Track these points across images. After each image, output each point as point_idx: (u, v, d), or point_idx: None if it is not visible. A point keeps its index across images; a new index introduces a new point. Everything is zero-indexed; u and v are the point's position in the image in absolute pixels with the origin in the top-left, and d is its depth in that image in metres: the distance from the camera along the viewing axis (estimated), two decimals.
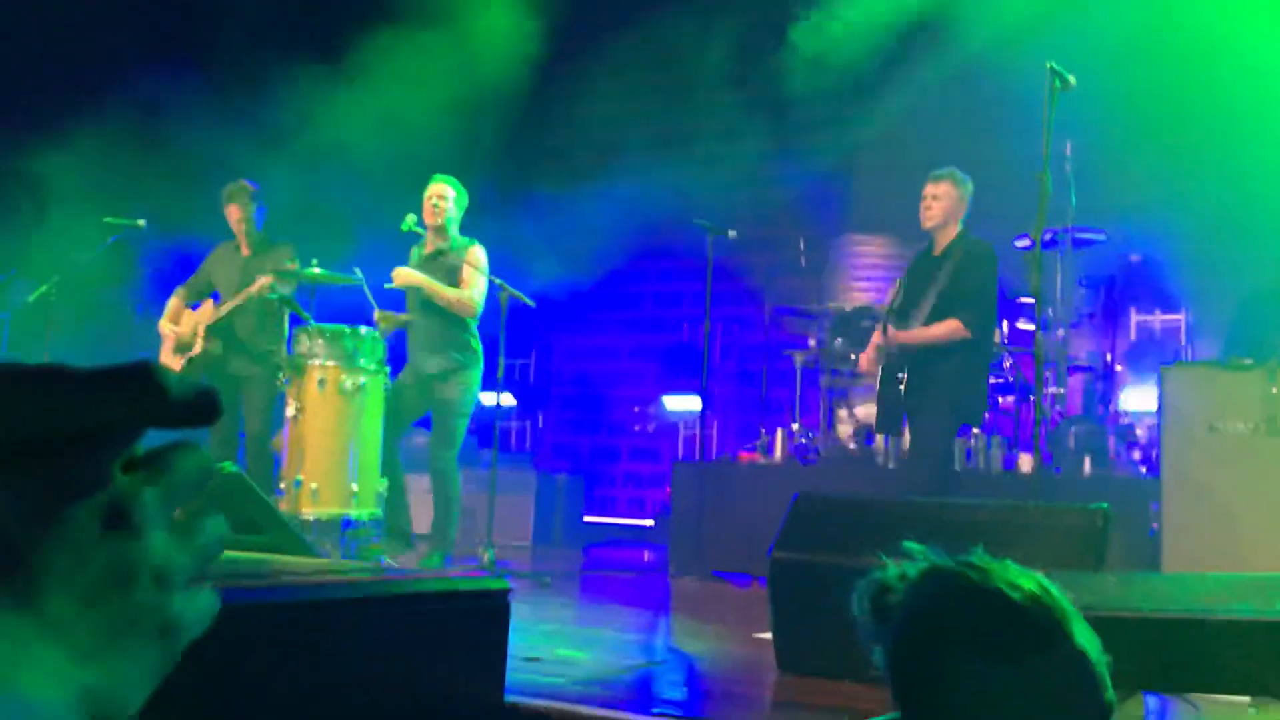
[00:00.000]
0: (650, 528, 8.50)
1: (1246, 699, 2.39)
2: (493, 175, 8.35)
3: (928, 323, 5.29)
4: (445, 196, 5.88)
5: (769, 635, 3.53)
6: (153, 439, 0.47)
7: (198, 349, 6.01)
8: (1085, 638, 1.24)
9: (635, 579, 5.96)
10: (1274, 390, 5.00)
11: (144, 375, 0.45)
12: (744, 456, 7.08)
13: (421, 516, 5.91)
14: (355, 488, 5.53)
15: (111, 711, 0.43)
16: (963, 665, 1.24)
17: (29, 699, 0.40)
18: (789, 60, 8.22)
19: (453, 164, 6.25)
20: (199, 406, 0.46)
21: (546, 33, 9.08)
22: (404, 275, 5.80)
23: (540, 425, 9.69)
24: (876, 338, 5.52)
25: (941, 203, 5.48)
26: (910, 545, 1.37)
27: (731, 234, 6.55)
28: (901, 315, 5.41)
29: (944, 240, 5.49)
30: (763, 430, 6.79)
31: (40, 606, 0.42)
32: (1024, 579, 1.27)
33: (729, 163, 9.06)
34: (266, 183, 6.41)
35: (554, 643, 3.83)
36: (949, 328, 5.23)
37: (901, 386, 5.29)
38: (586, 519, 8.68)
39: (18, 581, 0.42)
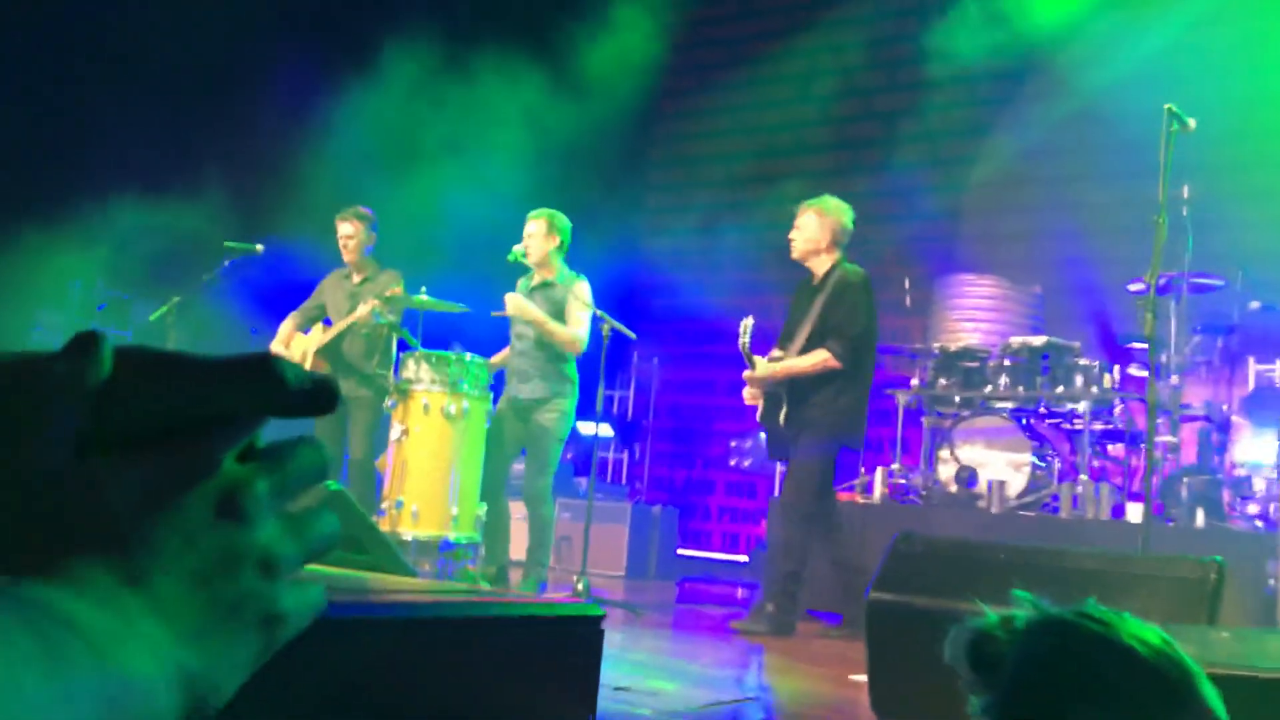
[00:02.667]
0: (744, 563, 8.44)
1: None
2: (607, 209, 8.45)
3: (802, 352, 5.35)
4: (532, 234, 5.94)
5: (864, 678, 3.48)
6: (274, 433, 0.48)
7: None
8: (1214, 699, 1.20)
9: (728, 614, 5.92)
10: None
11: (263, 364, 0.46)
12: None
13: (519, 543, 5.96)
14: (455, 511, 5.61)
15: (206, 694, 0.44)
16: (1085, 718, 1.20)
17: (129, 674, 0.41)
18: (903, 97, 8.17)
19: (559, 198, 6.34)
20: (316, 395, 0.46)
21: (662, 67, 9.19)
22: (516, 303, 5.86)
23: (637, 457, 9.71)
24: (749, 371, 5.50)
25: (803, 233, 5.51)
26: (1019, 593, 1.33)
27: None
28: (782, 345, 5.47)
29: (820, 270, 5.51)
30: (862, 469, 6.71)
31: (150, 586, 0.43)
32: (1148, 633, 1.23)
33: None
34: (382, 208, 6.58)
35: (644, 673, 3.82)
36: (817, 359, 5.28)
37: (782, 416, 5.34)
38: (680, 552, 8.65)
39: (130, 561, 0.43)
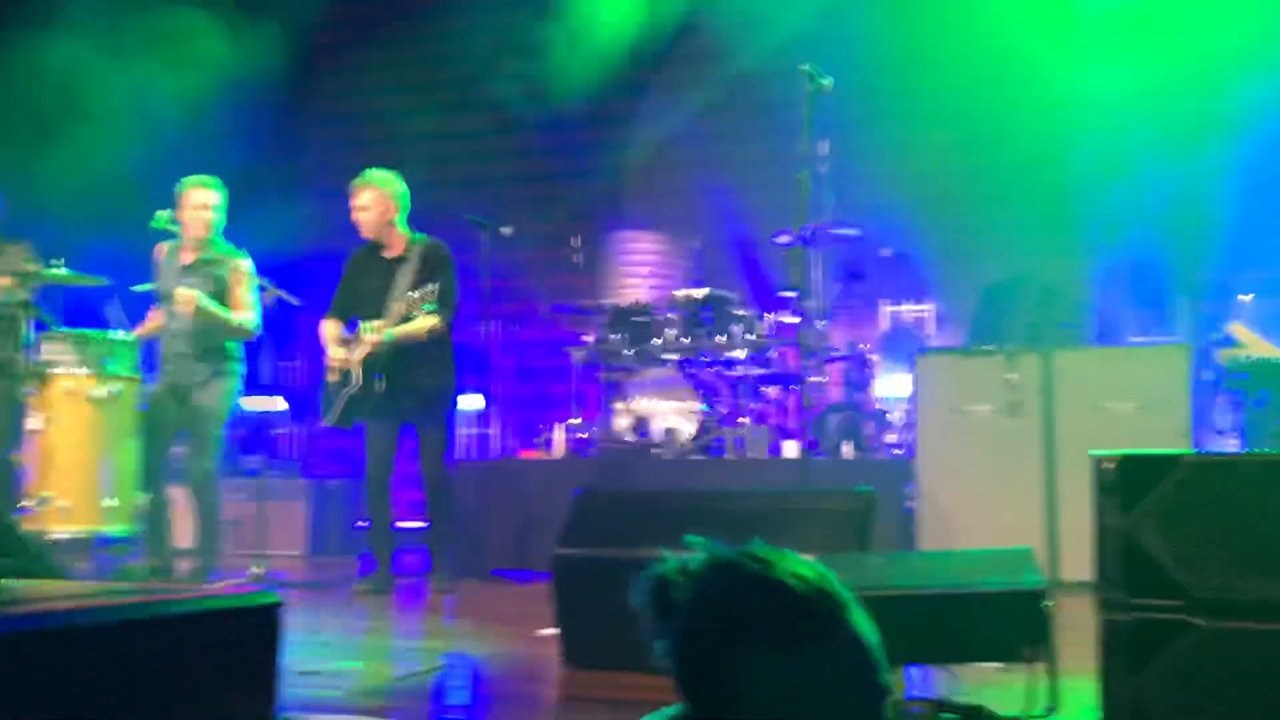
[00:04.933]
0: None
1: (996, 665, 2.57)
2: (257, 166, 8.01)
3: (401, 322, 5.43)
4: (210, 205, 5.58)
5: (553, 632, 3.54)
6: None
7: None
8: (863, 623, 1.30)
9: (415, 584, 5.85)
10: (1012, 375, 5.39)
11: None
12: (525, 453, 7.08)
13: (187, 532, 5.60)
14: (110, 503, 5.19)
15: None
16: (748, 655, 1.27)
17: None
18: (560, 57, 8.25)
19: (209, 160, 5.95)
20: None
21: (315, 25, 8.80)
22: (192, 301, 5.39)
23: (312, 430, 9.36)
24: (332, 333, 5.61)
25: (370, 211, 5.63)
26: (693, 538, 1.39)
27: (507, 230, 6.52)
28: (366, 315, 5.51)
29: (395, 242, 5.65)
30: (542, 427, 6.80)
31: None
32: (805, 568, 1.32)
33: (502, 158, 9.03)
34: (10, 175, 5.92)
35: (331, 655, 3.71)
36: (426, 324, 5.43)
37: (380, 384, 5.44)
38: (361, 525, 8.44)
39: None
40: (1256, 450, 5.47)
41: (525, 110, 8.60)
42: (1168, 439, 4.94)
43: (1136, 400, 5.20)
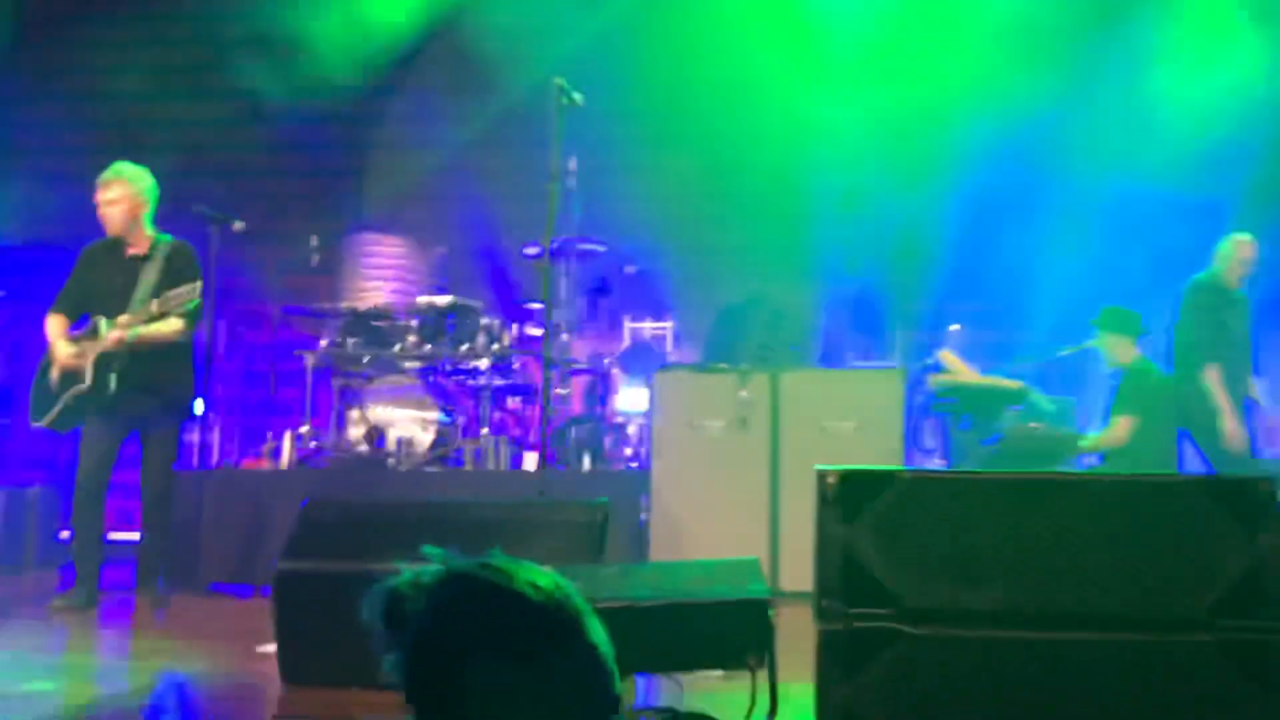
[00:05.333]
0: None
1: (719, 672, 2.64)
2: None
3: (147, 323, 5.24)
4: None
5: (273, 648, 3.37)
6: None
7: None
8: (598, 634, 1.29)
9: (122, 599, 5.45)
10: (743, 393, 5.60)
11: None
12: (250, 463, 6.73)
13: None
14: None
15: None
16: (482, 668, 1.24)
17: None
18: (308, 49, 7.96)
19: None
20: None
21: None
22: None
23: (7, 434, 8.57)
24: (58, 329, 5.33)
25: (118, 206, 5.43)
26: (429, 549, 1.35)
27: (238, 225, 6.20)
28: (107, 313, 5.26)
29: (140, 240, 5.45)
30: (270, 435, 6.50)
31: None
32: (543, 578, 1.30)
33: (238, 149, 8.60)
34: None
35: (19, 676, 3.39)
36: (173, 328, 5.27)
37: (112, 384, 5.20)
38: (65, 536, 7.79)
39: None
40: (960, 468, 5.91)
41: (266, 101, 8.23)
42: (882, 456, 5.25)
43: (855, 420, 5.50)
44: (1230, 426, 5.68)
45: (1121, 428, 5.74)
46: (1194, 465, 5.97)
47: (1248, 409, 5.87)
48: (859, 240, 7.55)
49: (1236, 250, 5.94)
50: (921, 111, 7.53)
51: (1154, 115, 7.45)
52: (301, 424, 6.53)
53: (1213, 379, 5.72)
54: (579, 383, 6.95)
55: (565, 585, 1.31)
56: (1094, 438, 5.97)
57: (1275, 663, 2.12)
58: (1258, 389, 5.97)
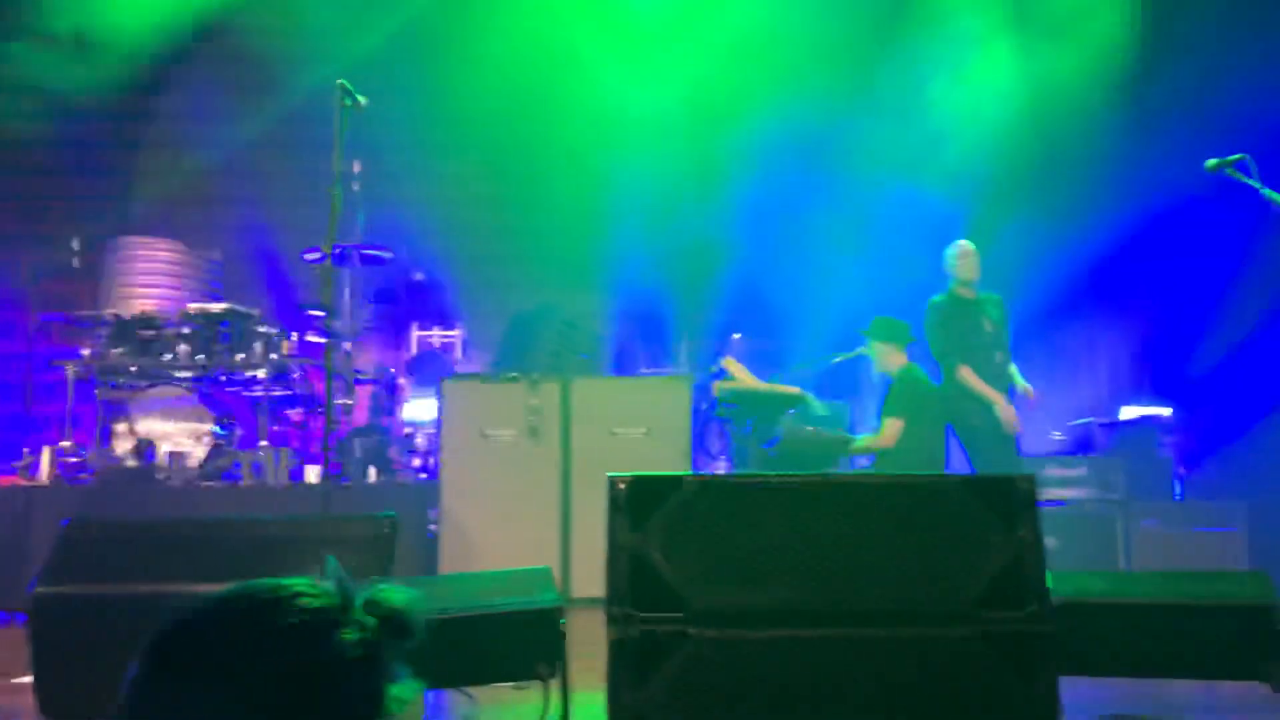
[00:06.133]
0: None
1: (513, 685, 2.62)
2: None
3: None
4: None
5: (29, 679, 3.13)
6: None
7: None
8: (359, 646, 1.25)
9: None
10: (534, 401, 5.58)
11: None
12: (4, 480, 6.24)
13: None
14: None
15: None
16: (224, 689, 1.18)
17: None
18: (64, 42, 7.46)
19: None
20: None
21: None
22: None
23: None
24: None
25: None
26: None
27: None
28: None
29: None
30: (26, 450, 6.04)
31: None
32: (315, 598, 1.25)
33: None
34: None
35: None
36: None
37: None
38: None
39: None
40: (743, 472, 6.07)
41: (25, 95, 7.66)
42: (671, 462, 5.35)
43: (645, 426, 5.57)
44: (1004, 412, 5.98)
45: (889, 430, 6.03)
46: (962, 466, 6.32)
47: (1014, 399, 6.19)
48: (648, 251, 7.67)
49: (957, 258, 6.21)
50: (706, 123, 7.72)
51: (928, 127, 7.86)
52: (62, 438, 6.10)
53: (967, 376, 6.01)
54: (364, 392, 6.78)
55: (330, 597, 1.26)
56: (865, 440, 6.25)
57: (1033, 651, 2.27)
58: (1020, 379, 6.29)
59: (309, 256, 6.66)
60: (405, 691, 1.29)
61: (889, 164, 7.77)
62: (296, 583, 1.26)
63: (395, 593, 1.31)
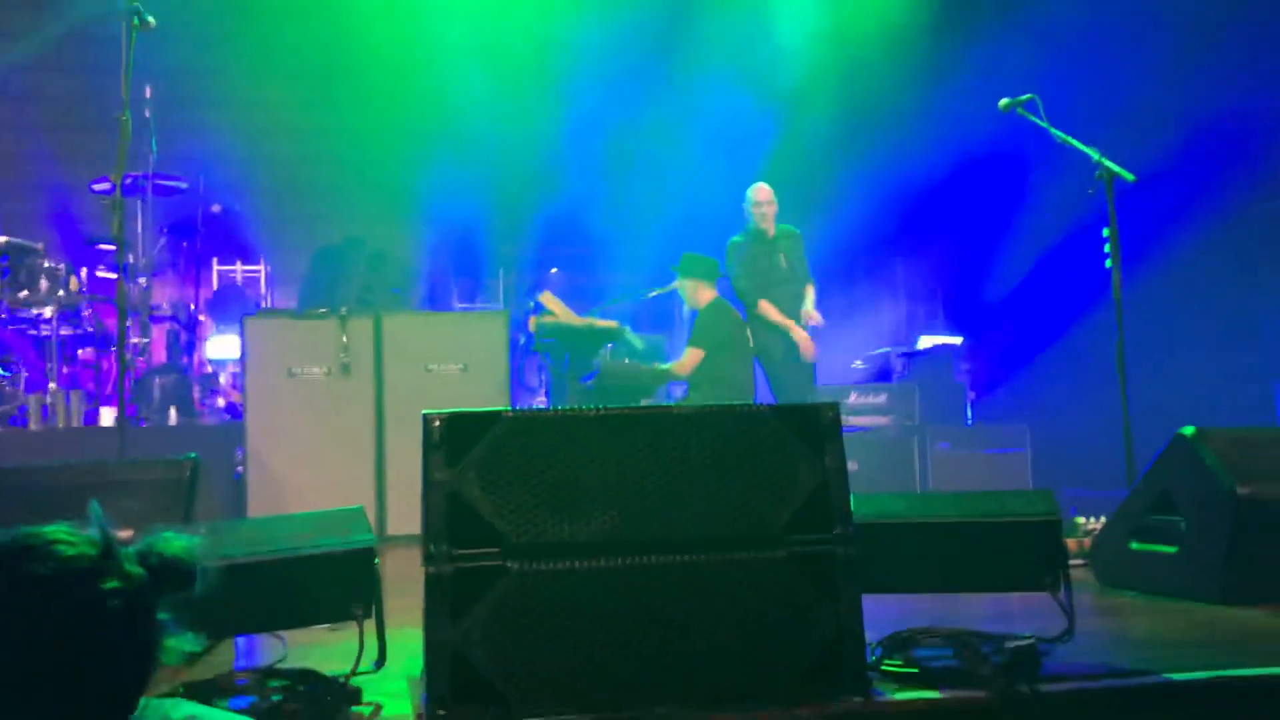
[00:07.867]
0: None
1: (327, 626, 2.56)
2: None
3: None
4: None
5: None
6: None
7: None
8: (119, 596, 1.20)
9: None
10: (344, 338, 5.44)
11: None
12: None
13: None
14: None
15: None
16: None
17: None
18: None
19: None
20: None
21: None
22: None
23: None
24: None
25: None
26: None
27: None
28: None
29: None
30: None
31: None
32: (75, 546, 1.19)
33: None
34: None
35: None
36: None
37: None
38: None
39: None
40: (561, 406, 6.10)
41: None
42: (489, 398, 5.31)
43: (461, 362, 5.51)
44: (799, 336, 6.32)
45: (688, 359, 6.19)
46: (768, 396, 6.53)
47: (811, 329, 6.48)
48: (460, 183, 7.53)
49: (752, 199, 6.52)
50: (522, 50, 7.59)
51: (745, 63, 7.94)
52: None
53: (766, 309, 6.34)
54: (161, 330, 6.46)
55: (112, 549, 1.20)
56: (665, 367, 6.40)
57: (836, 570, 2.36)
58: (809, 304, 6.56)
59: (97, 187, 6.27)
60: (183, 643, 1.25)
61: (705, 99, 7.84)
62: (54, 530, 1.19)
63: (172, 541, 1.26)
